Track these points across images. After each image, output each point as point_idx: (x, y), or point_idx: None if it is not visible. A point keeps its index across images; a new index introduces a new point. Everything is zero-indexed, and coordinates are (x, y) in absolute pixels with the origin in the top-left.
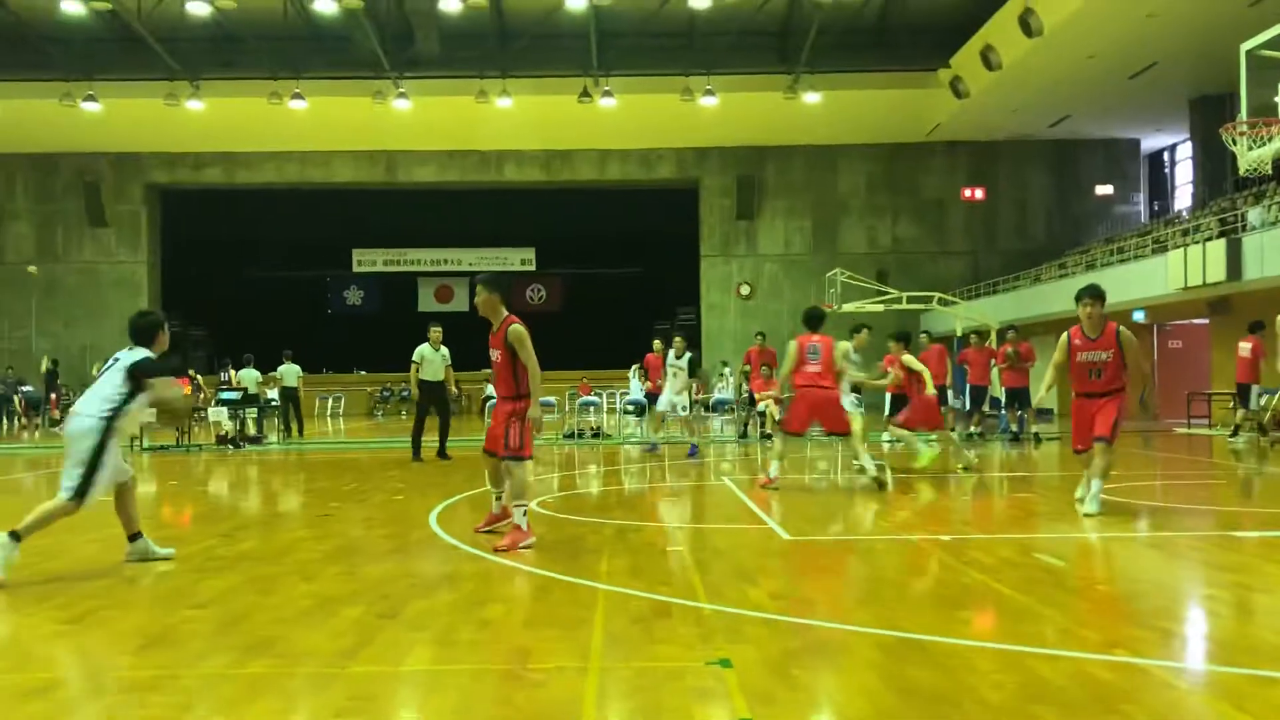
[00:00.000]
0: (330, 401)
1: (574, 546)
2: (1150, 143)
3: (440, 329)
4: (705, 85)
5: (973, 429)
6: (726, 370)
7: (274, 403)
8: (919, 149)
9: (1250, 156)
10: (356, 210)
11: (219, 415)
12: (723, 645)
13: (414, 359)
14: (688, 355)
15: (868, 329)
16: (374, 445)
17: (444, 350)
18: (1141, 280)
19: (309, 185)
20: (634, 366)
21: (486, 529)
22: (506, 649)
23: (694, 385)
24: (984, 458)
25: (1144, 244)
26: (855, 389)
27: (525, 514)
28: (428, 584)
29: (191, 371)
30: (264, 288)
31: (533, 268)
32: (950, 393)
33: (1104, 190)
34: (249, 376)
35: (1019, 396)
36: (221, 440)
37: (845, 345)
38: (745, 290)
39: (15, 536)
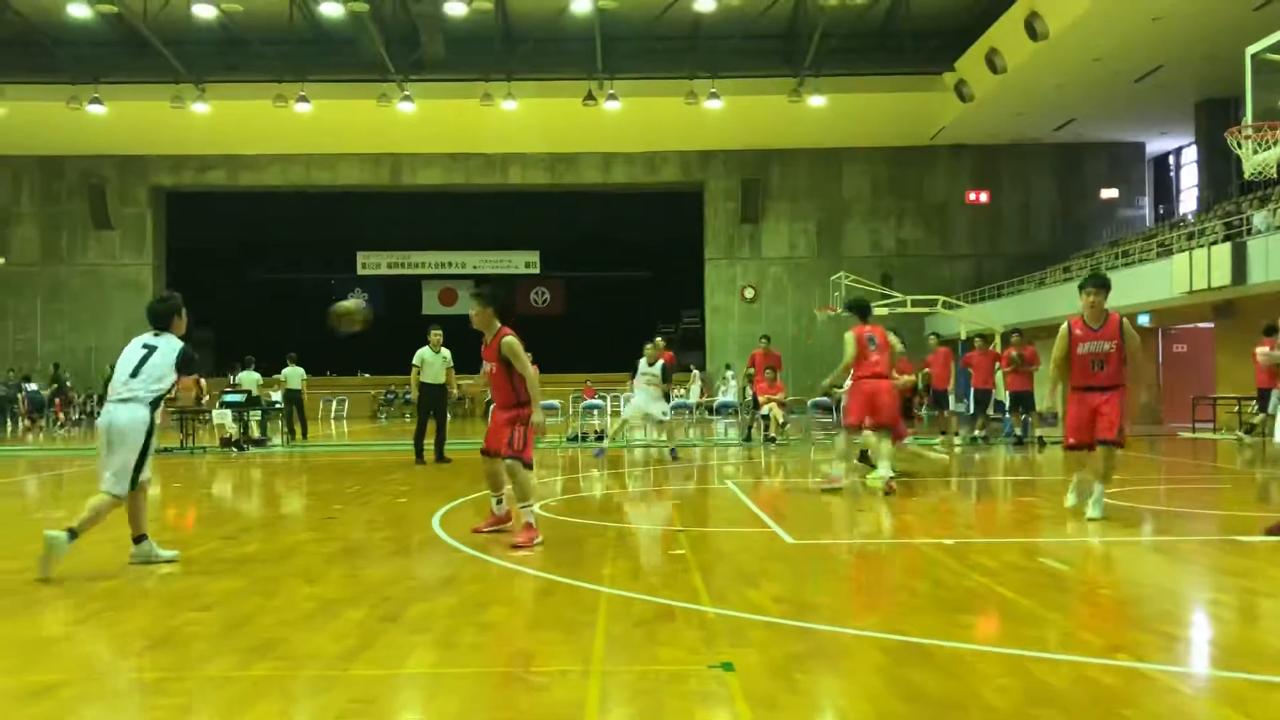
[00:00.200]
0: (334, 404)
1: (576, 549)
2: (1155, 146)
3: (440, 331)
4: (710, 88)
5: (977, 432)
6: (730, 374)
7: (277, 405)
8: (924, 152)
9: (1255, 160)
10: (361, 213)
11: (223, 418)
12: (725, 649)
13: (414, 362)
14: (660, 363)
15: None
16: (377, 448)
17: (445, 353)
18: (1146, 284)
19: (314, 188)
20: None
21: (487, 530)
22: (508, 652)
23: (667, 390)
24: (988, 461)
25: (1149, 247)
26: None
27: (533, 513)
28: (430, 587)
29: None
30: (268, 290)
31: (537, 271)
32: (953, 397)
33: (1109, 194)
34: (249, 378)
35: (1023, 400)
36: (225, 443)
37: (895, 337)
38: (749, 293)
39: (73, 534)
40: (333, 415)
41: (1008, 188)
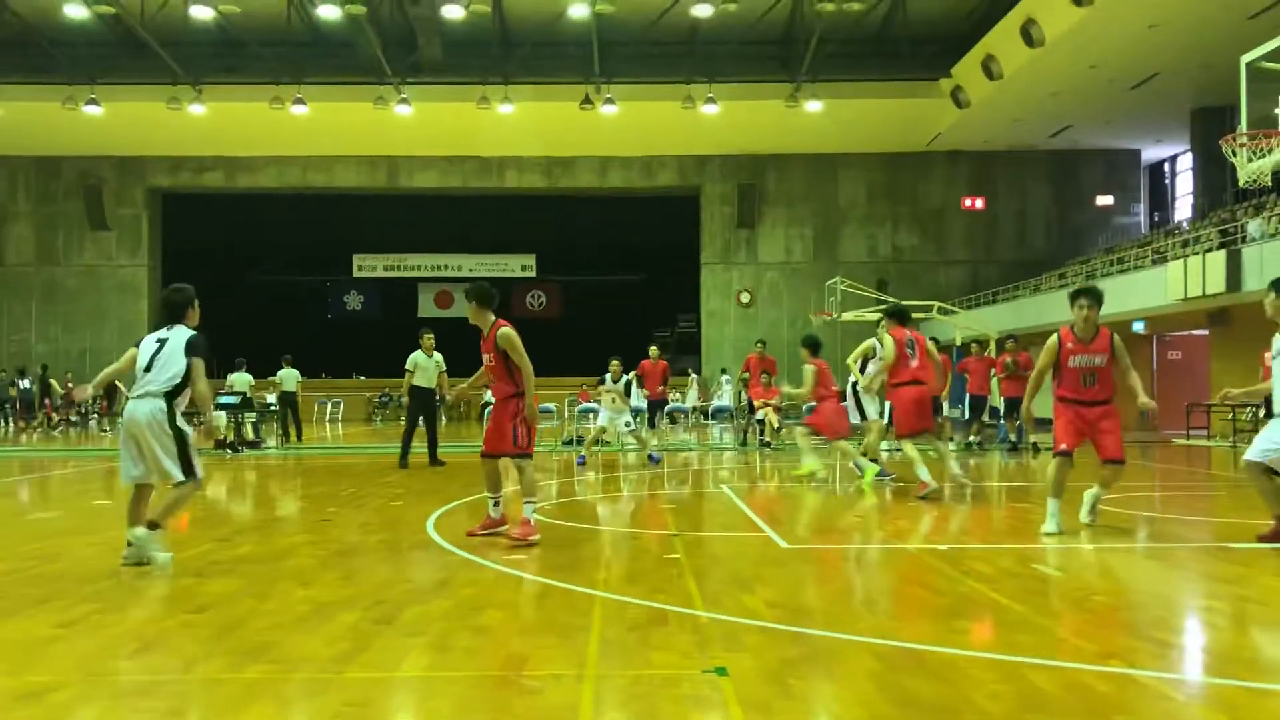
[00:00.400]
0: (329, 406)
1: (571, 553)
2: (1151, 154)
3: (432, 335)
4: (707, 93)
5: (971, 438)
6: (725, 378)
7: (272, 407)
8: (920, 158)
9: (1250, 168)
10: (357, 215)
11: (217, 419)
12: (719, 653)
13: (407, 366)
14: (625, 378)
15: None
16: (372, 450)
17: (437, 356)
18: (1141, 291)
19: (310, 190)
20: (631, 375)
21: (482, 533)
22: (503, 656)
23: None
24: (982, 467)
25: (1144, 255)
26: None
27: (534, 510)
28: (424, 590)
29: None
30: (264, 292)
31: (533, 274)
32: (946, 403)
33: (1104, 201)
34: (241, 380)
35: (1017, 406)
36: (220, 445)
37: (932, 344)
38: (745, 298)
39: (154, 525)
40: (327, 418)
41: (1004, 194)
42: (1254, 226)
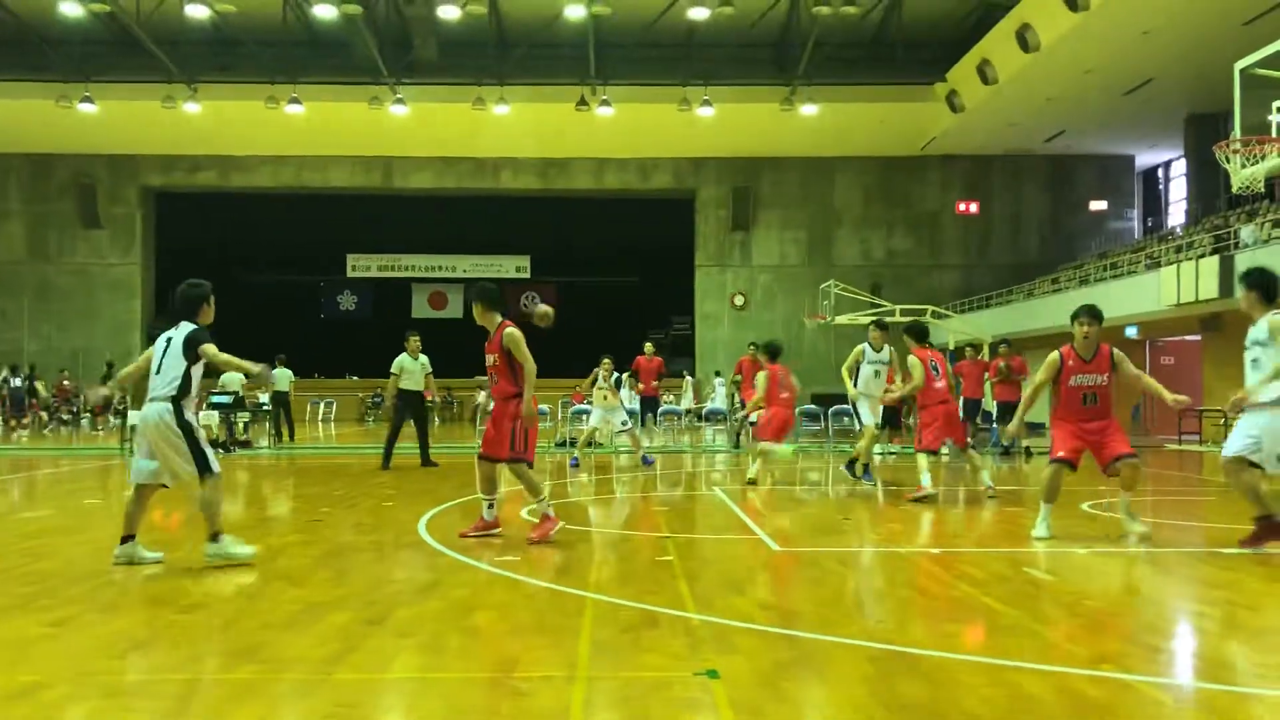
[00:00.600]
0: (321, 406)
1: (563, 554)
2: (1144, 159)
3: (418, 337)
4: (702, 96)
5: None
6: (718, 380)
7: (265, 407)
8: (914, 162)
9: (1243, 174)
10: (352, 215)
11: (209, 419)
12: (711, 656)
13: (393, 369)
14: (616, 376)
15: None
16: (365, 451)
17: (424, 359)
18: (1134, 296)
19: (305, 190)
20: (625, 375)
21: (474, 534)
22: (493, 657)
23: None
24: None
25: (1137, 260)
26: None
27: (546, 504)
28: (415, 591)
29: None
30: (258, 292)
31: (528, 276)
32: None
33: (1098, 206)
34: (233, 379)
35: (1011, 410)
36: (211, 444)
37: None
38: (740, 301)
39: (215, 536)
40: (320, 418)
41: (998, 198)
42: (1247, 232)
